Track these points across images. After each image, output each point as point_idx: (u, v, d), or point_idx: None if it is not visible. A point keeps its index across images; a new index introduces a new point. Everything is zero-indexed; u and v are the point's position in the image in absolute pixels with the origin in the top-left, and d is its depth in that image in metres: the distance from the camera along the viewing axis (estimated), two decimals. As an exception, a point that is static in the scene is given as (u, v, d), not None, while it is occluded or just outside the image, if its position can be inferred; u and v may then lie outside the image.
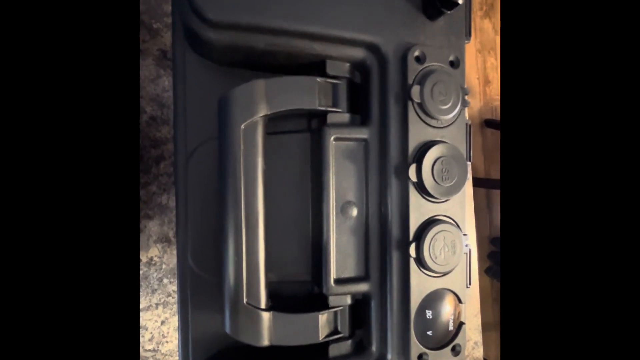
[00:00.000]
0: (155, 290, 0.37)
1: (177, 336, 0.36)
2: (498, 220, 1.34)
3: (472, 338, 0.50)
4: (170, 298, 0.37)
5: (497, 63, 1.36)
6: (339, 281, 0.24)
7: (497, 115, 1.35)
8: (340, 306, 0.24)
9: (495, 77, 1.36)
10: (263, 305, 0.22)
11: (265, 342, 0.22)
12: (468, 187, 0.49)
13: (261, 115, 0.21)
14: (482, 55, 1.35)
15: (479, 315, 0.51)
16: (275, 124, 0.25)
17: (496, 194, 1.34)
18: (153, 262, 0.37)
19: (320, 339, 0.23)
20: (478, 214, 1.30)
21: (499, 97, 1.36)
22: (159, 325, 0.37)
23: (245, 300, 0.21)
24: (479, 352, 0.51)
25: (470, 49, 1.33)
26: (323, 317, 0.23)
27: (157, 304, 0.37)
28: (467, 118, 0.26)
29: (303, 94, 0.23)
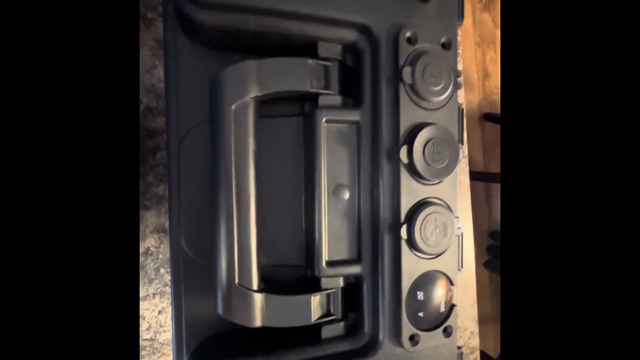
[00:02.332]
0: (152, 280, 0.37)
1: (173, 323, 0.36)
2: (497, 214, 1.34)
3: (469, 328, 0.51)
4: (167, 288, 0.37)
5: (497, 56, 1.36)
6: (331, 263, 0.24)
7: (496, 109, 1.35)
8: (332, 288, 0.24)
9: (495, 70, 1.36)
10: (255, 287, 0.22)
11: (258, 323, 0.22)
12: (465, 178, 0.49)
13: (252, 96, 0.21)
14: (482, 49, 1.35)
15: (476, 305, 0.51)
16: (268, 108, 0.25)
17: (495, 188, 1.34)
18: (150, 252, 0.37)
19: (313, 320, 0.23)
20: (477, 208, 1.31)
21: (498, 91, 1.36)
22: (156, 314, 0.37)
23: (237, 281, 0.22)
24: (476, 341, 0.51)
25: (470, 43, 1.33)
26: (315, 299, 0.23)
27: (154, 294, 0.37)
28: (460, 102, 0.26)
29: (295, 75, 0.23)
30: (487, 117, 1.33)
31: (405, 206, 0.24)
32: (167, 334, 0.37)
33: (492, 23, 1.36)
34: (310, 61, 0.23)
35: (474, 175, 1.19)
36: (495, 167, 1.34)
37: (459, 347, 0.26)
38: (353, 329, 0.26)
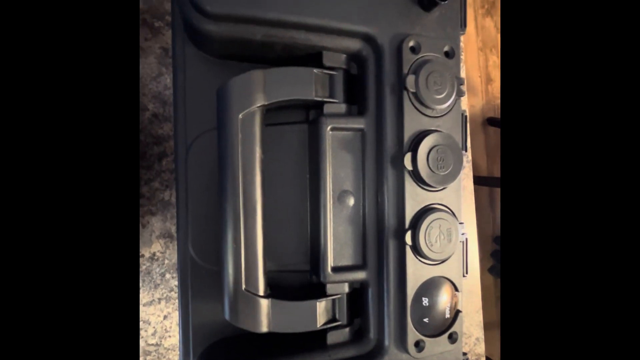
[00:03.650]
0: (158, 285, 0.37)
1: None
2: (501, 218, 1.33)
3: (474, 334, 0.50)
4: (172, 293, 0.37)
5: (500, 61, 1.36)
6: (336, 269, 0.24)
7: (499, 114, 1.35)
8: (337, 294, 0.24)
9: (498, 75, 1.36)
10: (261, 293, 0.22)
11: (264, 328, 0.22)
12: (468, 183, 0.49)
13: (259, 105, 0.22)
14: (484, 54, 1.35)
15: (481, 312, 0.51)
16: (274, 116, 0.25)
17: (499, 193, 1.33)
18: (156, 258, 0.37)
19: (318, 326, 0.23)
20: (481, 213, 1.30)
21: (501, 96, 1.35)
22: (162, 319, 0.37)
23: (244, 287, 0.22)
24: (481, 348, 0.51)
25: (472, 47, 1.33)
26: (321, 305, 0.24)
27: (159, 299, 0.37)
28: (464, 108, 0.26)
29: (300, 84, 0.23)
30: (490, 121, 1.33)
31: (409, 212, 0.24)
32: (172, 339, 0.37)
33: (494, 28, 1.36)
34: (315, 70, 0.23)
35: (478, 180, 1.19)
36: (499, 172, 1.34)
37: (465, 354, 0.26)
38: (358, 334, 0.26)
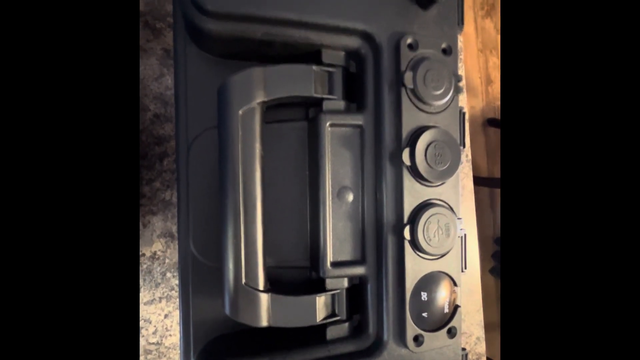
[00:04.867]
0: (159, 284, 0.37)
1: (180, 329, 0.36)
2: (502, 219, 1.33)
3: (475, 333, 0.50)
4: (173, 292, 0.37)
5: (500, 62, 1.37)
6: (335, 264, 0.24)
7: (499, 115, 1.35)
8: (337, 289, 0.25)
9: (498, 76, 1.36)
10: (261, 287, 0.22)
11: (264, 323, 0.22)
12: (468, 182, 0.49)
13: (259, 101, 0.22)
14: (484, 55, 1.35)
15: (482, 311, 0.51)
16: (274, 113, 0.25)
17: (500, 194, 1.33)
18: (157, 257, 0.37)
19: (318, 321, 0.24)
20: (482, 214, 1.30)
21: (501, 97, 1.35)
22: (163, 318, 0.37)
23: (244, 281, 0.22)
24: (482, 347, 0.51)
25: (472, 49, 1.34)
26: (320, 300, 0.24)
27: (160, 298, 0.37)
28: (461, 106, 0.26)
29: (300, 81, 0.23)
30: (491, 122, 1.33)
31: (408, 208, 0.24)
32: (173, 338, 0.37)
33: (494, 29, 1.37)
34: (314, 68, 0.24)
35: (478, 181, 1.19)
36: (499, 173, 1.34)
37: (464, 349, 0.26)
38: (358, 330, 0.26)
